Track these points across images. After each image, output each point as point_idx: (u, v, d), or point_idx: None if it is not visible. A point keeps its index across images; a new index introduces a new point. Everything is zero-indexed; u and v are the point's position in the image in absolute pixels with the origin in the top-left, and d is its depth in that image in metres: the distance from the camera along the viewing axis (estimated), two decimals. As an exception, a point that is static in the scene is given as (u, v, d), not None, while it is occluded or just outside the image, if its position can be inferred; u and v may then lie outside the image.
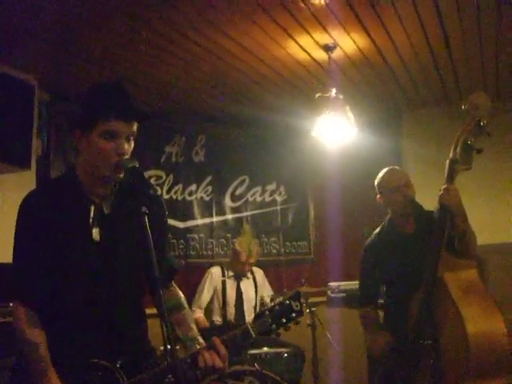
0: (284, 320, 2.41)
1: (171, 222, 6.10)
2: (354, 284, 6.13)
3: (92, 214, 2.38)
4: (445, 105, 6.69)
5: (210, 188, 6.64)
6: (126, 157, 2.30)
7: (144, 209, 2.17)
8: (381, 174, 3.81)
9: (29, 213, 2.35)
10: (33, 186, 5.22)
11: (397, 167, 3.90)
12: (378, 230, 3.87)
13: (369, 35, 4.59)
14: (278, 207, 7.07)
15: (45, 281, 2.31)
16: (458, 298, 3.15)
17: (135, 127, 2.35)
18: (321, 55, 4.95)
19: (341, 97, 4.90)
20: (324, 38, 4.62)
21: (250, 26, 4.32)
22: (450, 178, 3.23)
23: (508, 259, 5.44)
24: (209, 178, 6.62)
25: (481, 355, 3.00)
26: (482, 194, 6.07)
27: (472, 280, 3.25)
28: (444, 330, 3.15)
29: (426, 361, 3.14)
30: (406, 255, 3.52)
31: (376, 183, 3.83)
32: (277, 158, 6.95)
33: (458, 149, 3.21)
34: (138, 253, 2.35)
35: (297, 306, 2.42)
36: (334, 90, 4.88)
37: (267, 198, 6.98)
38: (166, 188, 6.33)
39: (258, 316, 2.42)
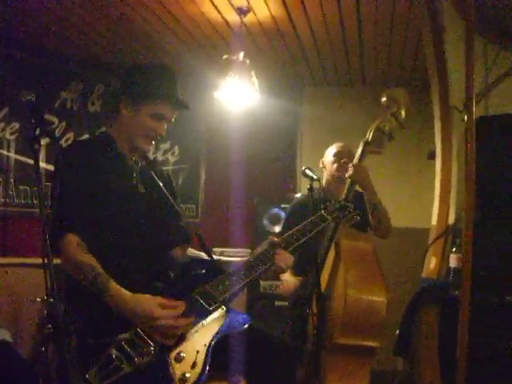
0: None
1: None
2: (237, 251, 6.18)
3: (135, 173, 2.76)
4: (347, 86, 6.81)
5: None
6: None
7: (166, 175, 2.96)
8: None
9: (73, 156, 2.62)
10: None
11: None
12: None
13: (284, 4, 4.53)
14: (170, 167, 6.94)
15: (92, 214, 2.53)
16: (347, 263, 3.31)
17: None
18: (233, 18, 4.85)
19: (247, 61, 4.85)
20: (238, 0, 4.52)
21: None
22: (360, 157, 3.46)
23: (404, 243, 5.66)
24: (102, 130, 6.36)
25: (354, 317, 3.17)
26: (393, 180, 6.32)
27: (366, 252, 3.43)
28: (331, 293, 3.31)
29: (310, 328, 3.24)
30: None
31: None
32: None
33: (372, 133, 3.41)
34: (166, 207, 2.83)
35: None
36: (241, 54, 4.81)
37: (160, 157, 6.80)
38: (57, 135, 6.01)
39: None
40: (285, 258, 2.67)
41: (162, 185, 2.84)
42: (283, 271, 2.73)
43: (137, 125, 2.71)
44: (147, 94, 2.70)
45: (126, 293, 2.38)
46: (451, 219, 4.03)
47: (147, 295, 2.39)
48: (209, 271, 2.66)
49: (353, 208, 3.03)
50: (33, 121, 2.20)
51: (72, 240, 2.47)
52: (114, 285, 2.39)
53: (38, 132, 2.19)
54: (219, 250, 6.14)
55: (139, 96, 2.70)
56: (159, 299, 2.39)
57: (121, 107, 2.72)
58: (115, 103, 2.75)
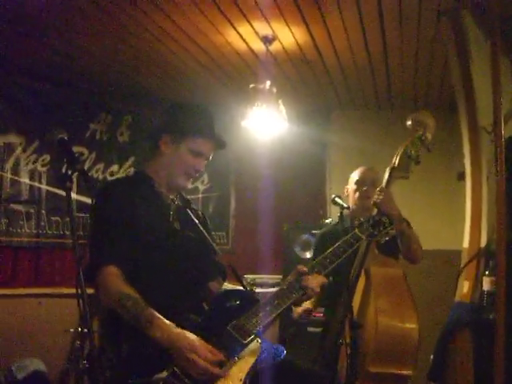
0: None
1: (88, 199, 5.94)
2: (269, 278, 6.18)
3: (171, 211, 2.80)
4: (374, 109, 6.81)
5: (132, 170, 6.43)
6: None
7: (201, 214, 3.01)
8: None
9: (113, 192, 2.68)
10: None
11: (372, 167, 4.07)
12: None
13: (309, 31, 4.57)
14: (200, 195, 6.98)
15: (131, 249, 2.54)
16: (377, 290, 3.30)
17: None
18: (259, 46, 4.90)
19: (274, 90, 4.87)
20: (264, 29, 4.57)
21: (192, 8, 4.20)
22: (387, 182, 3.37)
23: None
24: (131, 160, 6.46)
25: (386, 345, 3.15)
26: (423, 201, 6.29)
27: (396, 278, 3.41)
28: (362, 321, 3.25)
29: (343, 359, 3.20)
30: None
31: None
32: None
33: (398, 157, 3.35)
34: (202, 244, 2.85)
35: None
36: (268, 83, 4.84)
37: (189, 185, 6.81)
38: (87, 165, 6.13)
39: None
40: (318, 280, 2.65)
41: (197, 222, 2.87)
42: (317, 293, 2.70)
43: (176, 161, 2.76)
44: (188, 131, 2.75)
45: (171, 324, 2.37)
46: (483, 241, 3.99)
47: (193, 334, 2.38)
48: (243, 302, 2.63)
49: (388, 222, 2.96)
50: (64, 159, 2.26)
51: (113, 271, 2.46)
52: (158, 316, 2.37)
53: (69, 171, 2.25)
54: (251, 277, 6.14)
55: (180, 132, 2.75)
56: (205, 343, 2.37)
57: (160, 144, 2.77)
58: (155, 141, 2.79)
